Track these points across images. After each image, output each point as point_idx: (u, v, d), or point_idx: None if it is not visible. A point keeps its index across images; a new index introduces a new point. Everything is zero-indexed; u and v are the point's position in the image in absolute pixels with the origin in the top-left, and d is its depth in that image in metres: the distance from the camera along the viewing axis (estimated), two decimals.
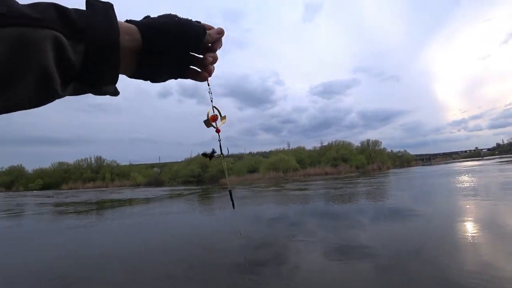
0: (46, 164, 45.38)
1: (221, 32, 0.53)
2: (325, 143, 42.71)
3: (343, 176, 25.87)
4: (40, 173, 42.82)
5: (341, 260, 3.96)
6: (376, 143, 40.25)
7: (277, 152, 41.15)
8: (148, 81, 0.50)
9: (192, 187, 25.41)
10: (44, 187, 38.49)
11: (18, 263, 4.95)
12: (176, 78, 0.53)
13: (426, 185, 13.35)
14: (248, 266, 4.08)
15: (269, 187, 19.14)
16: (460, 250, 3.90)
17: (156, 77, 0.49)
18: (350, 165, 33.94)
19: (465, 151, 63.73)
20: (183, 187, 26.32)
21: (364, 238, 4.99)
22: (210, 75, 0.54)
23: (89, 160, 43.26)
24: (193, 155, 41.59)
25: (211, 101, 0.57)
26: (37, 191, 34.42)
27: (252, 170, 34.84)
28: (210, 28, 0.52)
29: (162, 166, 48.71)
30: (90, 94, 0.43)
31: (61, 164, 43.29)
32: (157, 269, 4.14)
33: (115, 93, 0.45)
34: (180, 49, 0.47)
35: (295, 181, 22.95)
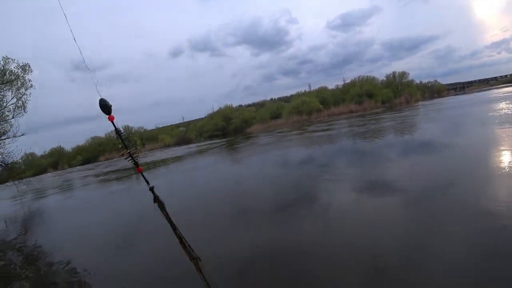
0: (82, 141, 48.25)
1: None
2: (348, 80, 40.82)
3: (368, 112, 25.30)
4: (78, 150, 46.12)
5: (370, 196, 4.16)
6: (402, 75, 37.73)
7: (298, 95, 40.28)
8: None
9: (218, 141, 26.33)
10: (84, 162, 41.57)
11: (80, 226, 6.15)
12: None
13: (457, 115, 12.74)
14: (281, 206, 4.46)
15: (293, 131, 19.34)
16: (493, 182, 3.83)
17: None
18: (376, 100, 32.63)
19: (505, 76, 56.96)
20: (209, 142, 27.36)
21: (392, 174, 5.12)
22: None
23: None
24: (215, 109, 42.09)
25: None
26: (79, 166, 37.50)
27: (275, 116, 34.80)
28: None
29: (186, 125, 50.02)
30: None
31: (94, 138, 45.73)
32: (196, 220, 4.81)
33: None
34: None
35: (319, 123, 22.89)
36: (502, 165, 4.33)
